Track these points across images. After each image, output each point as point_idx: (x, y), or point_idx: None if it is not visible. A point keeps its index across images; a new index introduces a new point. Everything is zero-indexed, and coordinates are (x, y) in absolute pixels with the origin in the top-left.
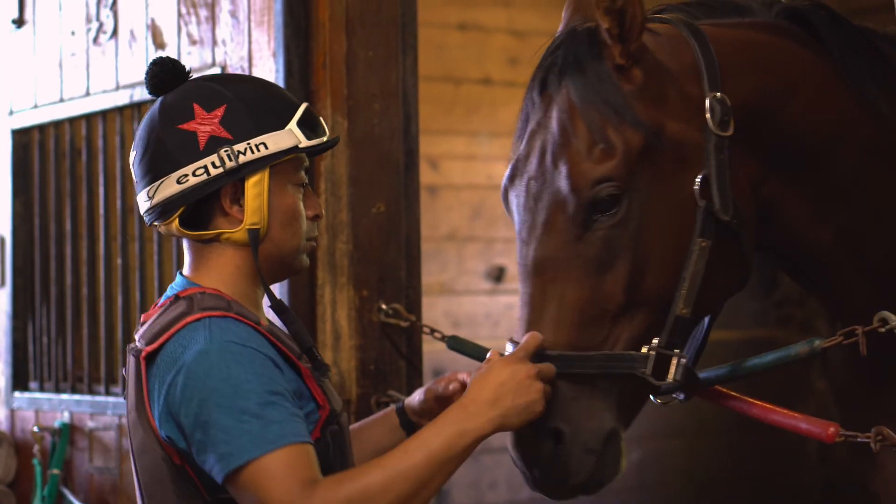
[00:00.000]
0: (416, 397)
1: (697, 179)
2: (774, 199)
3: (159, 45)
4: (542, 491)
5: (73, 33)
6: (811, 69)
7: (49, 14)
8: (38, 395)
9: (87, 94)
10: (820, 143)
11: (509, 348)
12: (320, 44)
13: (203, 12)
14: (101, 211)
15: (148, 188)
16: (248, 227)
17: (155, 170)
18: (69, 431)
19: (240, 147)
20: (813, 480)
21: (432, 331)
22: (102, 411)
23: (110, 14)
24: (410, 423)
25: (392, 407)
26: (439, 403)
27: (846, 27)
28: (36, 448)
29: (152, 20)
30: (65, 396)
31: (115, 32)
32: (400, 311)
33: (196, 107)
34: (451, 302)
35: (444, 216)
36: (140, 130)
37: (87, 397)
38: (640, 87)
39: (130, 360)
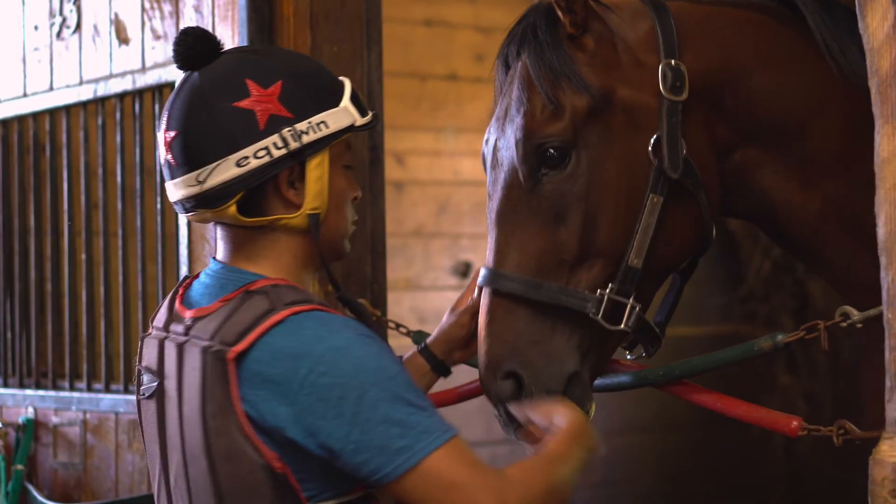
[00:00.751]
0: (438, 335)
1: (652, 140)
2: (750, 166)
3: (123, 39)
4: (513, 433)
5: (36, 28)
6: (788, 43)
7: (12, 8)
8: (1, 390)
9: (51, 88)
10: (799, 114)
11: (483, 272)
12: (284, 38)
13: (167, 7)
14: (66, 206)
15: (197, 172)
16: (308, 211)
17: (207, 152)
18: (33, 427)
19: (302, 126)
20: (778, 474)
21: (398, 326)
22: (67, 407)
23: (73, 9)
24: (441, 364)
25: (414, 351)
26: (459, 331)
27: (839, 9)
28: (0, 444)
29: (116, 15)
30: (29, 392)
31: (78, 27)
32: (365, 307)
33: (250, 83)
34: (417, 297)
35: (409, 212)
36: (177, 109)
37: (52, 393)
38: (591, 54)
39: (206, 358)
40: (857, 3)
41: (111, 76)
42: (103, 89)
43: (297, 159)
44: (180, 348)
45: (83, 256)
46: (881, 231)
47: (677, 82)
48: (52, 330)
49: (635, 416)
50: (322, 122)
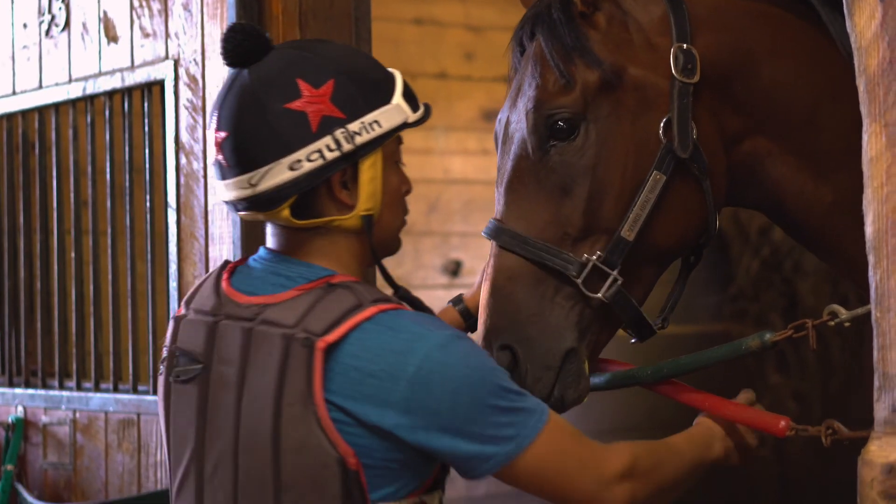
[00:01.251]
0: (475, 292)
1: (663, 120)
2: (760, 156)
3: (111, 38)
4: None
5: (25, 26)
6: (800, 35)
7: (1, 7)
8: None
9: (40, 86)
10: (810, 105)
11: (490, 222)
12: (273, 37)
13: (155, 5)
14: (55, 204)
15: (249, 175)
16: (362, 213)
17: (259, 154)
18: (23, 426)
19: (354, 127)
20: (769, 476)
21: None
22: (56, 406)
23: (62, 6)
24: (476, 322)
25: (449, 306)
26: None
27: None
28: None
29: (104, 13)
30: (18, 391)
31: (67, 25)
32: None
33: (301, 83)
34: None
35: None
36: (228, 109)
37: (41, 392)
38: (604, 33)
39: (288, 345)
40: (844, 2)
41: (100, 74)
42: (92, 87)
43: (350, 161)
44: (248, 333)
45: (72, 255)
46: (869, 230)
47: (689, 64)
48: (42, 328)
49: (627, 416)
50: (375, 121)
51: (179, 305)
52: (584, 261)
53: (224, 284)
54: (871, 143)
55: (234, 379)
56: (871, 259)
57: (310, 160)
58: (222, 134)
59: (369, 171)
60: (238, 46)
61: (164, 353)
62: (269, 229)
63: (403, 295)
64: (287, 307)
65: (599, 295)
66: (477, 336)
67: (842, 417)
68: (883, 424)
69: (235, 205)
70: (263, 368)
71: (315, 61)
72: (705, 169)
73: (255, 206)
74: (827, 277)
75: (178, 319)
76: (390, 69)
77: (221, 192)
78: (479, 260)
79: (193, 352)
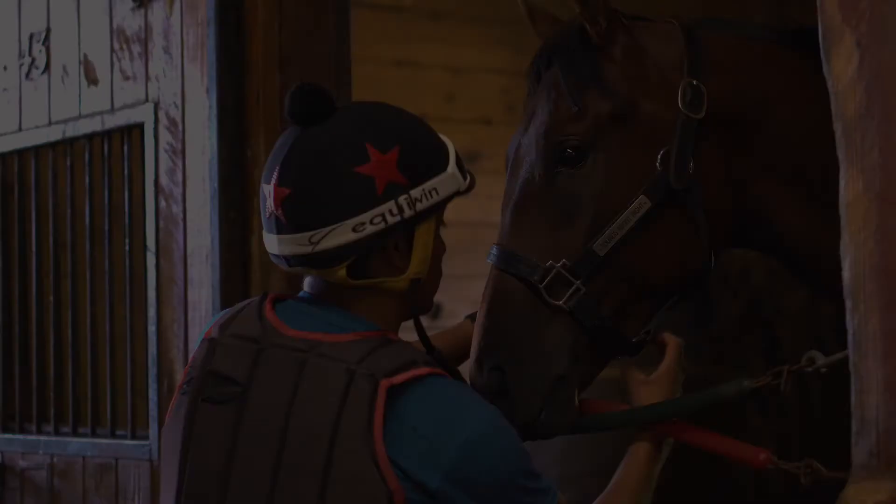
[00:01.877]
0: None
1: (661, 152)
2: (769, 200)
3: (92, 80)
4: None
5: (5, 68)
6: (814, 79)
7: None
8: None
9: (20, 129)
10: (821, 149)
11: (492, 248)
12: (253, 80)
13: (136, 48)
14: (34, 247)
15: (310, 233)
16: (412, 276)
17: (322, 215)
18: (1, 471)
19: (416, 193)
20: None
21: None
22: (34, 450)
23: (43, 49)
24: None
25: (465, 321)
26: None
27: None
28: None
29: (85, 55)
30: None
31: (47, 67)
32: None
33: (370, 147)
34: None
35: None
36: (293, 166)
37: (19, 436)
38: (619, 65)
39: (352, 379)
40: (822, 46)
41: (80, 117)
42: (72, 130)
43: (409, 227)
44: (302, 363)
45: (51, 298)
46: (847, 274)
47: (696, 100)
48: (20, 372)
49: (608, 460)
50: (434, 188)
51: (211, 328)
52: (549, 266)
53: (269, 314)
54: (849, 187)
55: (281, 406)
56: (848, 304)
57: (373, 224)
58: (285, 190)
59: (424, 237)
60: (308, 106)
61: (191, 373)
62: (310, 279)
63: (438, 357)
64: (347, 347)
65: (560, 302)
66: (470, 358)
67: (822, 460)
68: (860, 469)
69: (288, 259)
70: (318, 399)
71: (381, 126)
72: (700, 205)
73: (311, 264)
74: (808, 320)
75: (212, 342)
76: (443, 137)
77: (272, 245)
78: (460, 302)
79: (232, 375)
